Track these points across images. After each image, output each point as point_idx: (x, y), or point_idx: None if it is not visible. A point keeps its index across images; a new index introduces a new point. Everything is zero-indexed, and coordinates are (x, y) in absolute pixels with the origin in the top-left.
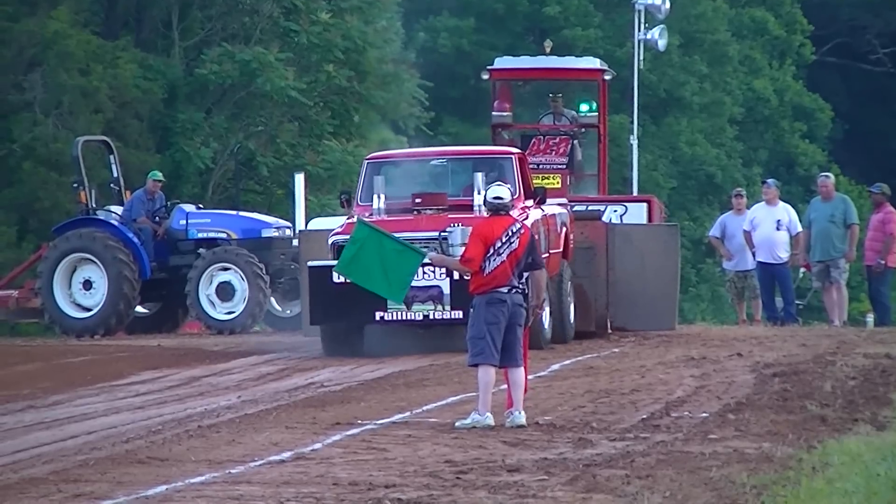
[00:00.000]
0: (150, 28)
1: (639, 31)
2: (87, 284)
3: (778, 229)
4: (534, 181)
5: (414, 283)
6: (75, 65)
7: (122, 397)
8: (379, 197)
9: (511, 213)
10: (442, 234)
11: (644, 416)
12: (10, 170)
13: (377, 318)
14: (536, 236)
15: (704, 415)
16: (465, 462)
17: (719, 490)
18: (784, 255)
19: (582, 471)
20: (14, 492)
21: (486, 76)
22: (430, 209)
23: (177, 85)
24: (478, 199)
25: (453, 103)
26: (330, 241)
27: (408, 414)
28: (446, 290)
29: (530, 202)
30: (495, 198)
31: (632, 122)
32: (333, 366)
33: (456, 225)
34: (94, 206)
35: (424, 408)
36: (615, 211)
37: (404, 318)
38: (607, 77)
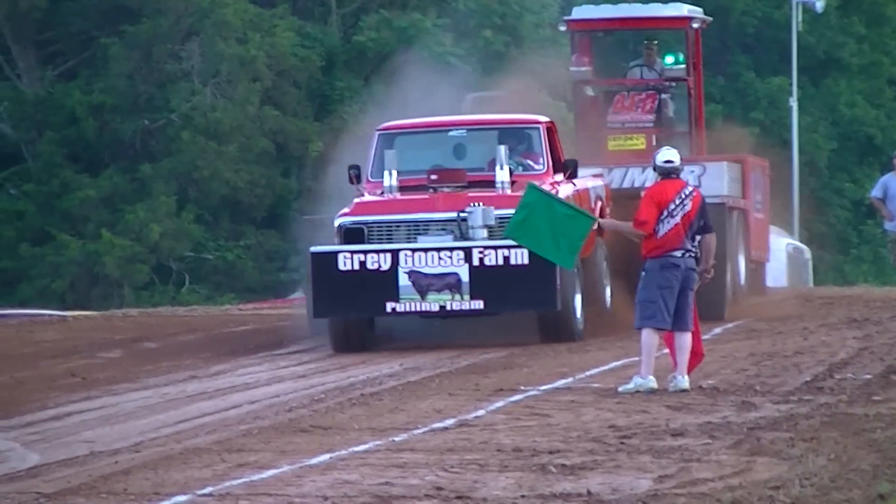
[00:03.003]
0: None
1: None
2: None
3: None
4: (616, 140)
5: (428, 271)
6: (232, 33)
7: (285, 366)
8: (391, 173)
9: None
10: (461, 214)
11: (807, 379)
12: (168, 139)
13: (388, 309)
14: None
15: (868, 376)
16: (629, 427)
17: (884, 451)
18: None
19: (746, 434)
20: (178, 462)
21: (563, 28)
22: (448, 186)
23: (334, 52)
24: (500, 175)
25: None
26: (336, 224)
27: (570, 379)
28: (465, 277)
29: (560, 176)
30: (666, 161)
31: (791, 85)
32: (497, 332)
33: (476, 204)
34: None
35: (587, 373)
36: (692, 171)
37: (419, 308)
38: (696, 25)
